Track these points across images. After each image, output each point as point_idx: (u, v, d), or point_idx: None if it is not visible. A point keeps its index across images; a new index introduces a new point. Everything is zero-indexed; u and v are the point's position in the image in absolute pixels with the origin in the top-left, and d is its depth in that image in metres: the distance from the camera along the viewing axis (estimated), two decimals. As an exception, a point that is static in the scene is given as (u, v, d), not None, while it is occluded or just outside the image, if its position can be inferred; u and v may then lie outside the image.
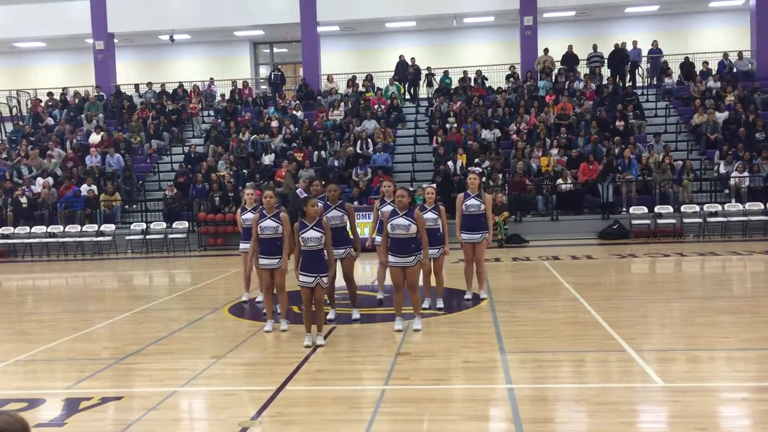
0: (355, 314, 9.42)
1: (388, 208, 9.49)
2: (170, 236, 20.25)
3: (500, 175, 20.13)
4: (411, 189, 9.13)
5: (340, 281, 9.61)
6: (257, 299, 10.93)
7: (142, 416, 5.85)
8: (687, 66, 25.34)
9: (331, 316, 9.39)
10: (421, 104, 26.17)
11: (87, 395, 6.48)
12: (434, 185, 11.67)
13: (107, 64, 28.41)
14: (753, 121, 21.37)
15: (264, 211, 8.73)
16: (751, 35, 26.07)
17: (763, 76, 24.70)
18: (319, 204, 8.88)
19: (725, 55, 25.15)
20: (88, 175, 22.08)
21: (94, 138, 24.50)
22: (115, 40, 29.00)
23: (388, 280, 9.47)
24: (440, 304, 9.92)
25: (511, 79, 25.61)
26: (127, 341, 8.76)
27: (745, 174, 19.36)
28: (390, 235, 8.44)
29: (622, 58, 25.07)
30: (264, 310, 9.30)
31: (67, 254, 20.38)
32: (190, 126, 26.19)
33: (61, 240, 20.60)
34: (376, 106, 24.83)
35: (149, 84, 27.94)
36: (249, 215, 10.19)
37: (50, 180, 22.12)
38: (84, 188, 21.49)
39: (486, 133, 22.30)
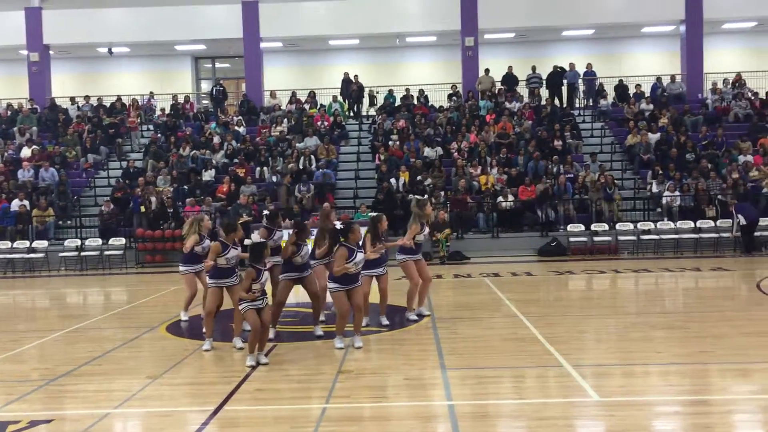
0: (318, 331, 9.38)
1: (306, 251, 9.17)
2: (106, 253, 19.72)
3: (442, 193, 20.31)
4: (338, 226, 9.07)
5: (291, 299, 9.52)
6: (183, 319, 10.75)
7: (74, 440, 5.65)
8: (621, 88, 26.16)
9: (271, 335, 9.27)
10: (365, 122, 26.28)
11: (15, 418, 6.23)
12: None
13: (42, 76, 27.61)
14: (684, 143, 22.17)
15: (225, 242, 8.65)
16: (681, 60, 27.11)
17: (692, 99, 25.68)
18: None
19: (658, 78, 26.09)
20: (20, 190, 21.36)
21: (27, 152, 23.74)
22: (51, 52, 28.23)
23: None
24: (385, 321, 9.92)
25: (453, 98, 25.97)
26: (59, 362, 8.47)
27: (677, 193, 20.03)
28: (351, 272, 8.36)
29: (559, 80, 25.71)
30: (203, 329, 9.12)
31: (-3, 271, 19.63)
32: (129, 140, 25.65)
33: (-10, 257, 19.83)
34: (319, 123, 24.81)
35: (86, 97, 27.27)
36: (207, 243, 9.98)
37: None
38: (15, 203, 20.77)
39: (428, 151, 22.51)
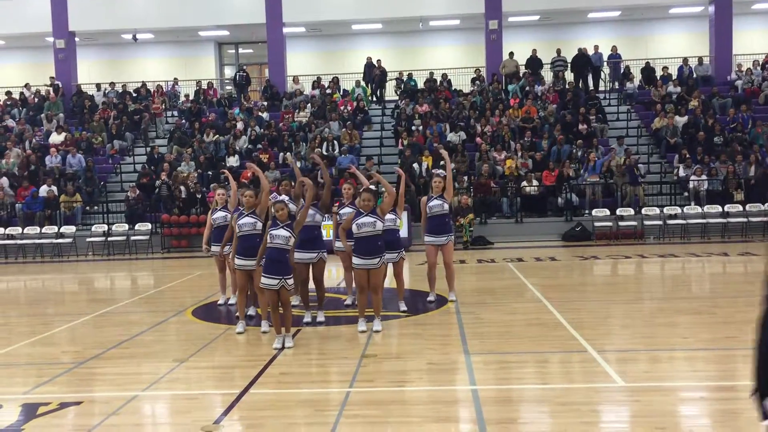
0: (320, 317, 9.39)
1: (346, 211, 9.49)
2: (132, 238, 19.96)
3: (465, 178, 20.24)
4: (376, 189, 9.08)
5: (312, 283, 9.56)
6: (222, 301, 10.82)
7: (102, 421, 5.76)
8: (648, 71, 25.80)
9: (307, 319, 9.33)
10: (387, 106, 26.21)
11: (45, 400, 6.35)
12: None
13: (68, 63, 27.90)
14: (712, 126, 21.83)
15: (242, 209, 8.69)
16: (709, 41, 26.65)
17: (720, 81, 25.26)
18: (291, 205, 8.81)
19: (685, 60, 25.68)
20: (48, 176, 21.66)
21: (55, 138, 24.04)
22: (77, 39, 28.49)
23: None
24: (403, 306, 9.92)
25: (477, 81, 25.79)
26: (88, 345, 8.61)
27: (704, 177, 19.76)
28: (356, 235, 8.44)
29: (584, 63, 25.42)
30: (237, 312, 9.21)
31: (26, 256, 19.96)
32: (154, 126, 25.87)
33: (19, 242, 20.17)
34: (342, 108, 24.80)
35: (111, 84, 27.52)
36: (220, 214, 10.15)
37: (5, 180, 21.62)
38: (44, 189, 21.07)
39: (451, 136, 22.41)
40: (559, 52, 25.98)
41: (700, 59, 25.72)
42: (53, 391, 6.70)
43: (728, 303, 10.19)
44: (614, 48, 26.01)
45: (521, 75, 25.49)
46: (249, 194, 8.69)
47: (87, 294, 14.19)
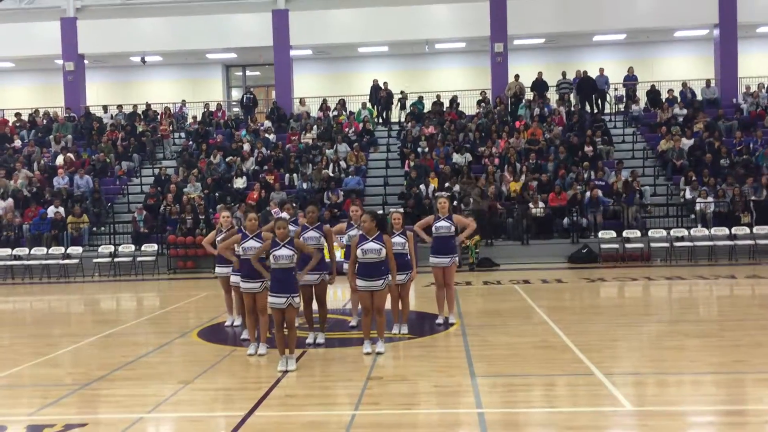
0: (320, 338, 9.38)
1: (354, 232, 9.56)
2: (139, 259, 20.00)
3: (471, 200, 20.24)
4: (378, 213, 9.13)
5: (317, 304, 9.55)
6: (228, 323, 10.79)
7: (107, 443, 5.73)
8: (653, 93, 25.88)
9: (309, 340, 9.32)
10: (393, 128, 26.33)
11: (50, 422, 6.33)
12: (401, 210, 11.74)
13: (77, 85, 28.15)
14: (718, 148, 21.84)
15: (246, 232, 8.71)
16: (714, 64, 26.74)
17: (726, 104, 25.31)
18: (292, 227, 8.90)
19: (684, 84, 25.77)
20: (55, 197, 21.77)
21: (62, 159, 24.19)
22: (86, 61, 28.77)
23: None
24: (405, 329, 9.88)
25: (482, 104, 25.91)
26: (93, 366, 8.60)
27: (710, 199, 19.73)
28: (360, 260, 8.46)
29: (589, 85, 25.52)
30: (242, 335, 9.17)
31: (33, 277, 20.00)
32: (161, 148, 26.02)
33: (26, 263, 20.23)
34: (348, 130, 24.90)
35: (119, 107, 27.75)
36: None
37: (11, 201, 21.71)
38: (51, 210, 21.17)
39: (457, 157, 22.48)
40: (564, 74, 26.10)
41: (708, 82, 25.79)
42: (58, 413, 6.68)
43: (736, 326, 10.12)
44: (631, 69, 26.25)
45: (531, 98, 25.56)
46: (252, 217, 8.74)
47: (93, 315, 14.19)
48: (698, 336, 9.48)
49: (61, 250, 20.37)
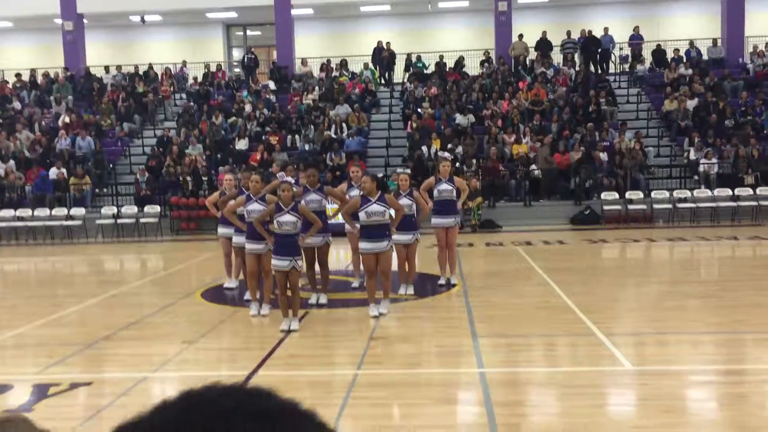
0: (323, 299, 9.44)
1: (355, 192, 9.55)
2: (142, 221, 20.03)
3: (474, 161, 20.18)
4: (379, 175, 9.12)
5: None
6: (232, 285, 10.84)
7: (113, 402, 5.81)
8: (658, 53, 25.57)
9: (312, 300, 9.38)
10: (396, 89, 26.11)
11: (56, 381, 6.41)
12: (408, 171, 11.70)
13: (76, 45, 27.87)
14: (723, 109, 21.65)
15: (250, 195, 8.70)
16: (721, 23, 26.35)
17: (732, 64, 25.02)
18: (296, 188, 8.91)
19: (691, 43, 25.42)
20: (57, 158, 21.73)
21: (64, 120, 24.08)
22: (85, 21, 28.44)
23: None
24: (410, 290, 9.94)
25: (486, 64, 25.64)
26: (98, 326, 8.68)
27: (714, 160, 19.63)
28: (364, 222, 8.44)
29: (594, 45, 25.21)
30: (245, 296, 9.24)
31: (36, 238, 20.07)
32: (162, 109, 25.86)
33: (30, 224, 20.29)
34: (350, 91, 24.71)
35: (118, 67, 27.51)
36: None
37: (12, 164, 21.69)
38: (53, 172, 21.15)
39: (460, 118, 22.33)
40: (569, 34, 25.76)
41: (715, 41, 25.44)
42: (64, 372, 6.76)
43: (737, 287, 10.15)
44: (636, 28, 25.86)
45: (527, 57, 25.27)
46: (256, 179, 8.71)
47: (97, 276, 14.28)
48: (699, 296, 9.53)
49: (64, 211, 20.39)
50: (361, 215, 8.41)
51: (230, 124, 23.16)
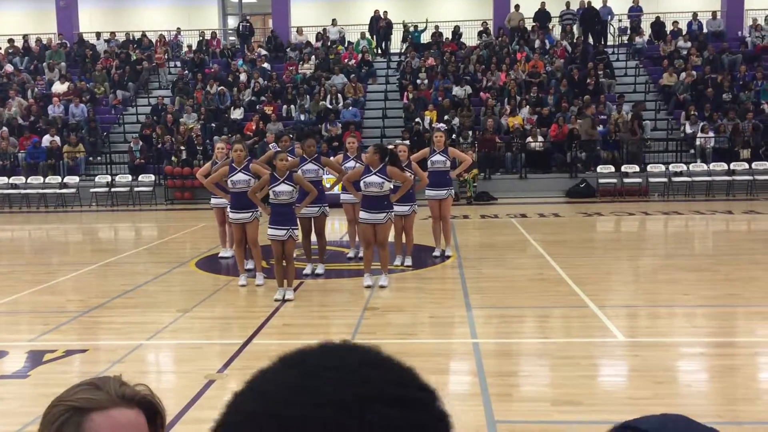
0: (320, 269, 9.45)
1: (350, 164, 9.52)
2: (136, 189, 19.96)
3: (470, 132, 20.10)
4: (386, 146, 9.04)
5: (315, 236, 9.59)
6: (228, 254, 10.83)
7: (107, 369, 5.83)
8: (657, 25, 25.38)
9: (307, 270, 9.39)
10: (392, 59, 25.90)
11: (51, 347, 6.43)
12: (407, 143, 11.65)
13: (69, 11, 27.51)
14: (721, 82, 21.57)
15: (233, 164, 8.66)
16: (721, -5, 26.14)
17: (731, 37, 24.86)
18: (290, 158, 8.88)
19: (694, 15, 25.22)
20: (50, 126, 21.56)
21: (57, 87, 23.86)
22: (78, -14, 28.05)
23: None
24: (408, 261, 9.96)
25: (484, 35, 25.42)
26: (92, 294, 8.69)
27: (710, 134, 19.60)
28: (362, 192, 8.41)
29: (593, 16, 24.99)
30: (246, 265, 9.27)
31: (30, 206, 20.00)
32: (156, 77, 25.63)
33: (23, 191, 20.19)
34: (346, 61, 24.51)
35: (112, 34, 27.18)
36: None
37: (5, 130, 21.51)
38: (46, 139, 21.00)
39: (457, 90, 22.20)
40: (568, 5, 25.52)
41: (714, 14, 25.24)
42: (59, 339, 6.78)
43: (731, 261, 10.20)
44: (636, 0, 25.62)
45: (524, 27, 25.01)
46: (238, 148, 8.70)
47: (91, 244, 14.26)
48: (692, 270, 9.57)
49: (58, 179, 20.29)
50: (361, 185, 8.41)
51: (219, 93, 22.86)
